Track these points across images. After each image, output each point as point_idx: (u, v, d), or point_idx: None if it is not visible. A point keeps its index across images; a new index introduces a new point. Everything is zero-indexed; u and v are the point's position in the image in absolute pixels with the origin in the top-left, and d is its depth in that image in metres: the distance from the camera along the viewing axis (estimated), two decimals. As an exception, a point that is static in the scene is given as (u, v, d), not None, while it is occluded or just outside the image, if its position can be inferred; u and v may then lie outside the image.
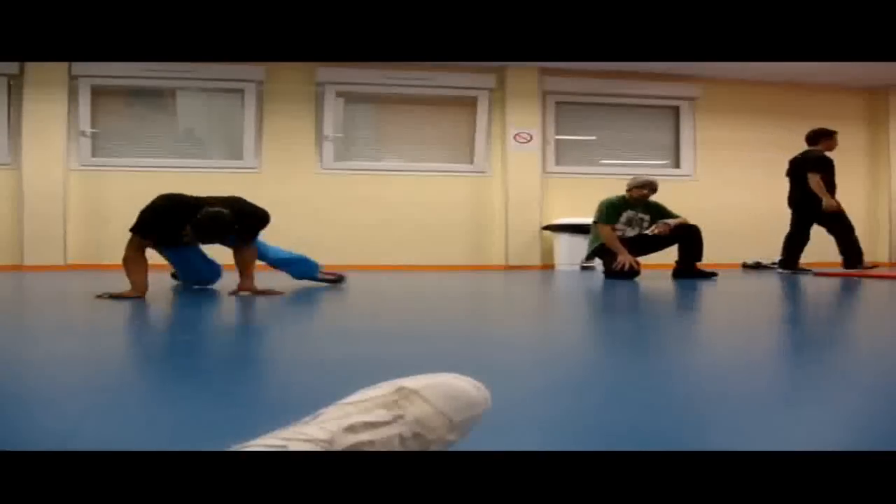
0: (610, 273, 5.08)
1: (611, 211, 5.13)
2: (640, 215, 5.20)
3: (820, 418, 1.04)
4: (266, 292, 3.31)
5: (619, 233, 5.13)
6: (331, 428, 0.63)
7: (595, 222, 5.19)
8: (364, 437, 0.64)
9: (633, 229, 5.21)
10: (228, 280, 3.60)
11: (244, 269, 3.44)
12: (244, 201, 3.47)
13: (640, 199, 5.17)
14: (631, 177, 5.43)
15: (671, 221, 5.14)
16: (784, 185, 6.26)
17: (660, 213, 5.24)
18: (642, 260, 5.04)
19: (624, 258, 4.87)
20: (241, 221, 3.26)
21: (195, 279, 3.89)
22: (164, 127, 6.92)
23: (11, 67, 6.43)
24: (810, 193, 5.87)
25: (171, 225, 3.25)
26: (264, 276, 3.65)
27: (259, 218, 3.46)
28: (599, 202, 5.22)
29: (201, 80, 6.80)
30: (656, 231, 5.10)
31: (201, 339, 1.94)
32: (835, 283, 4.53)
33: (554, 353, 1.72)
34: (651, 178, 5.22)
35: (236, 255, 3.47)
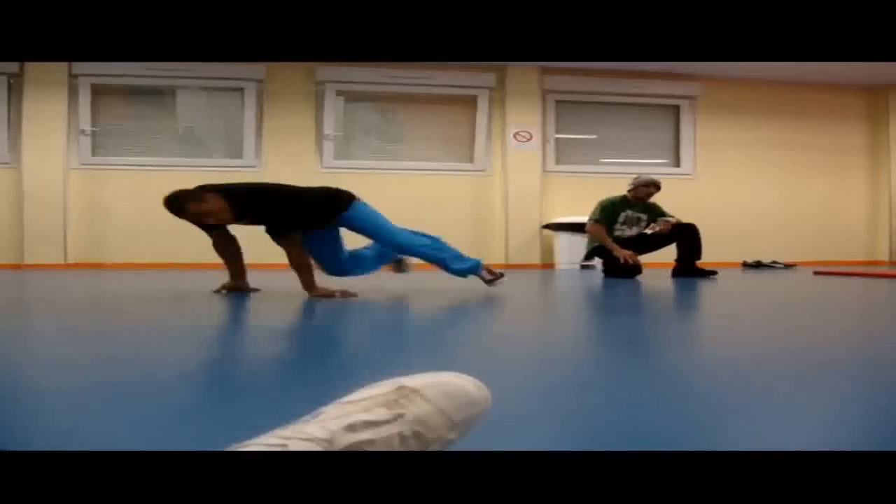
0: (610, 272, 5.08)
1: (609, 211, 5.14)
2: (638, 215, 5.22)
3: (820, 418, 1.04)
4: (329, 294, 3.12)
5: (617, 233, 5.15)
6: (331, 427, 0.63)
7: (591, 220, 5.19)
8: (364, 435, 0.64)
9: (632, 229, 5.22)
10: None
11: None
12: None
13: (642, 198, 5.18)
14: (633, 176, 5.43)
15: (671, 219, 5.15)
16: (784, 184, 6.26)
17: (657, 212, 5.25)
18: (642, 259, 5.04)
19: (620, 253, 4.89)
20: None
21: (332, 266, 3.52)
22: (164, 125, 6.92)
23: (11, 66, 6.43)
24: None
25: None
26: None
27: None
28: (598, 201, 5.23)
29: (201, 78, 6.80)
30: (657, 229, 5.10)
31: (201, 337, 1.94)
32: (835, 281, 4.53)
33: (554, 352, 1.72)
34: (655, 177, 5.22)
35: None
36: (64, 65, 6.47)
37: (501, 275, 3.61)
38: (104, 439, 0.88)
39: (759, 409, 1.06)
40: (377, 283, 3.86)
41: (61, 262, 6.45)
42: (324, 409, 0.68)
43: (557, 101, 7.48)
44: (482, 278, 3.57)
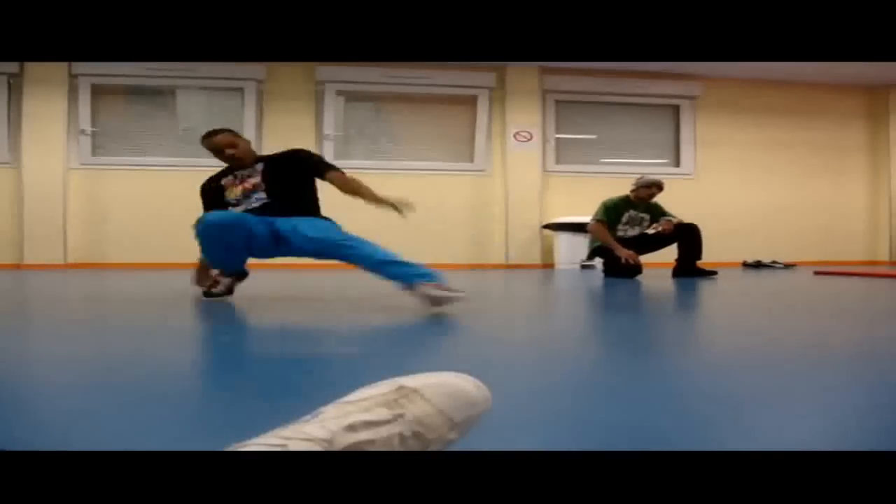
0: (611, 272, 5.09)
1: (611, 211, 5.16)
2: (641, 215, 5.23)
3: (820, 418, 1.04)
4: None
5: (620, 233, 5.16)
6: (331, 427, 0.63)
7: (593, 220, 5.21)
8: (364, 435, 0.64)
9: (634, 229, 5.23)
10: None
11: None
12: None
13: (644, 198, 5.19)
14: (633, 176, 5.45)
15: (673, 219, 5.17)
16: (784, 184, 6.26)
17: (659, 213, 5.27)
18: (643, 259, 5.05)
19: (622, 253, 4.90)
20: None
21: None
22: (164, 125, 6.92)
23: (11, 66, 6.43)
24: None
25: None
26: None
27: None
28: (602, 202, 5.24)
29: (201, 78, 6.80)
30: (660, 229, 5.12)
31: (201, 337, 1.94)
32: (835, 281, 4.53)
33: (554, 352, 1.72)
34: (657, 178, 5.24)
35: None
36: (64, 65, 6.47)
37: None
38: (104, 439, 0.88)
39: (759, 409, 1.06)
40: (374, 286, 3.86)
41: (61, 262, 6.44)
42: (324, 409, 0.68)
43: (557, 101, 7.48)
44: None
